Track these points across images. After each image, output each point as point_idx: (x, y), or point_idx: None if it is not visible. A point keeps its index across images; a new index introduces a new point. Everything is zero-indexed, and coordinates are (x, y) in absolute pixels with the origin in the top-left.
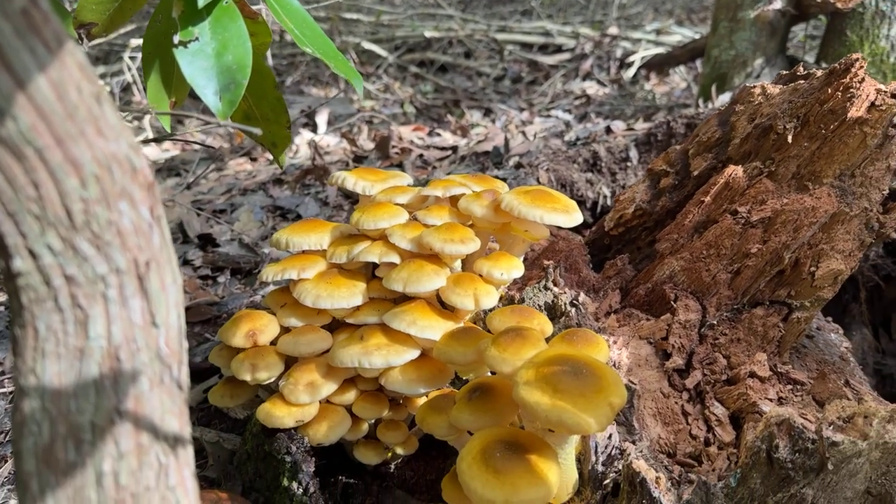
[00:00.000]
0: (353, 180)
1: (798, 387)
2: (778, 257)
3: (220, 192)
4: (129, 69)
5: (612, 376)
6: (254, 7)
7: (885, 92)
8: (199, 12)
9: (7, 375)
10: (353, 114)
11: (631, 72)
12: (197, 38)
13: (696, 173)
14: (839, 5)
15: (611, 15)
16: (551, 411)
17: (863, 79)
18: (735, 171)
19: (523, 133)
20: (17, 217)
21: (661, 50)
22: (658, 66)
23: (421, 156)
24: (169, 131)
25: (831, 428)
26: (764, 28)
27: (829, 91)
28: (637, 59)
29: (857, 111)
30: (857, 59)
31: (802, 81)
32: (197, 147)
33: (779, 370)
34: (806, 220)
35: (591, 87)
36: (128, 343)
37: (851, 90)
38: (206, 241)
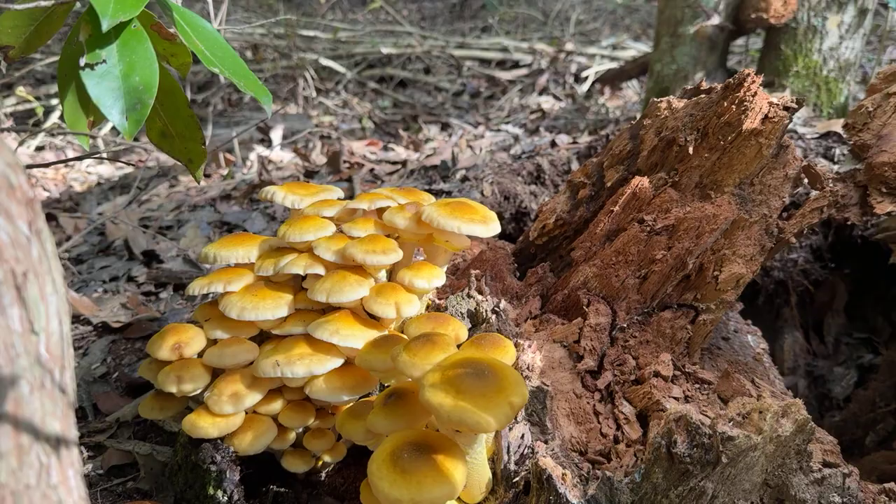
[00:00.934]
0: (283, 194)
1: (704, 386)
2: (682, 263)
3: (170, 208)
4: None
5: (513, 377)
6: (172, 30)
7: (777, 105)
8: (106, 35)
9: None
10: (311, 130)
11: (585, 86)
12: (104, 61)
13: (609, 184)
14: (772, 21)
15: (568, 31)
16: (453, 412)
17: (755, 93)
18: (641, 182)
19: (471, 147)
20: None
21: (615, 65)
22: (611, 80)
23: (372, 170)
24: (88, 150)
25: (730, 424)
26: (703, 43)
27: (726, 104)
28: (591, 73)
29: (751, 123)
30: (748, 75)
31: (704, 96)
32: (151, 164)
33: (686, 370)
34: (707, 226)
35: (547, 102)
36: (6, 349)
37: (745, 103)
38: (151, 258)
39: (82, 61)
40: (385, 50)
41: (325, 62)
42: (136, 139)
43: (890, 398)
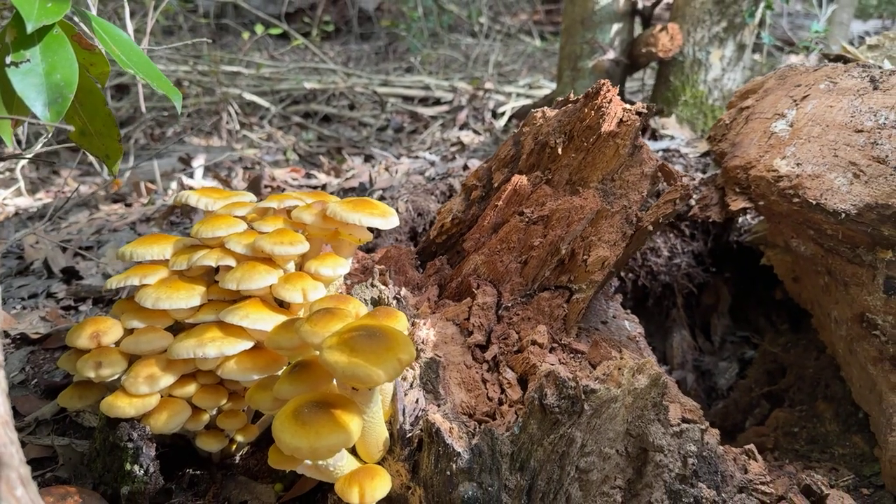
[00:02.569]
0: (196, 197)
1: (578, 354)
2: (556, 248)
3: (90, 232)
4: None
5: (402, 338)
6: (94, 42)
7: (630, 110)
8: (30, 38)
9: None
10: (235, 160)
11: (502, 121)
12: (28, 60)
13: (496, 185)
14: (661, 55)
15: (488, 71)
16: (347, 367)
17: (611, 100)
18: (521, 180)
19: (388, 171)
20: None
21: (529, 101)
22: (524, 115)
23: None
24: (9, 146)
25: (595, 381)
26: (601, 75)
27: (587, 111)
28: (508, 109)
29: (608, 126)
30: (604, 84)
31: (570, 105)
32: (69, 195)
33: (562, 342)
34: (576, 216)
35: (467, 136)
36: None
37: (603, 109)
38: (71, 276)
39: (8, 59)
40: (309, 86)
41: (248, 97)
42: (55, 172)
43: (763, 384)
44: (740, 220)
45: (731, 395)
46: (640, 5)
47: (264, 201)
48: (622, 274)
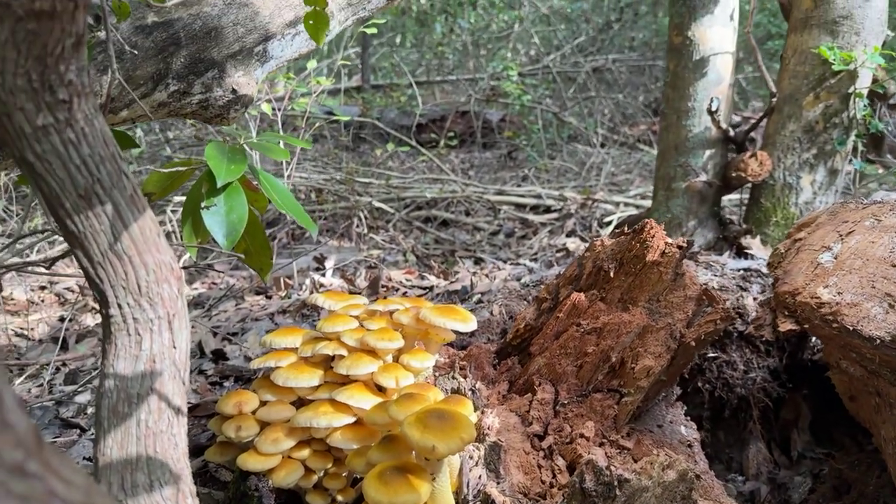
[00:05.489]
0: (323, 299)
1: (624, 450)
2: (607, 356)
3: (236, 320)
4: (171, 220)
5: (465, 421)
6: (255, 184)
7: (672, 244)
8: (218, 189)
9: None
10: (360, 260)
11: (608, 230)
12: (215, 204)
13: (561, 299)
14: (750, 179)
15: (601, 181)
16: (419, 440)
17: (654, 234)
18: (579, 297)
19: (488, 276)
20: (115, 289)
21: (636, 212)
22: (630, 223)
23: (405, 293)
24: (196, 261)
25: (631, 472)
26: (694, 196)
27: (634, 243)
28: (615, 218)
29: (652, 256)
30: (648, 222)
31: (622, 237)
32: (221, 286)
33: (610, 438)
34: (624, 329)
35: (573, 243)
36: (160, 354)
37: (647, 242)
38: (219, 357)
39: (203, 204)
40: (430, 194)
41: (377, 204)
42: (210, 266)
43: (830, 499)
44: (813, 339)
45: None
46: (731, 133)
47: (373, 304)
48: (699, 385)
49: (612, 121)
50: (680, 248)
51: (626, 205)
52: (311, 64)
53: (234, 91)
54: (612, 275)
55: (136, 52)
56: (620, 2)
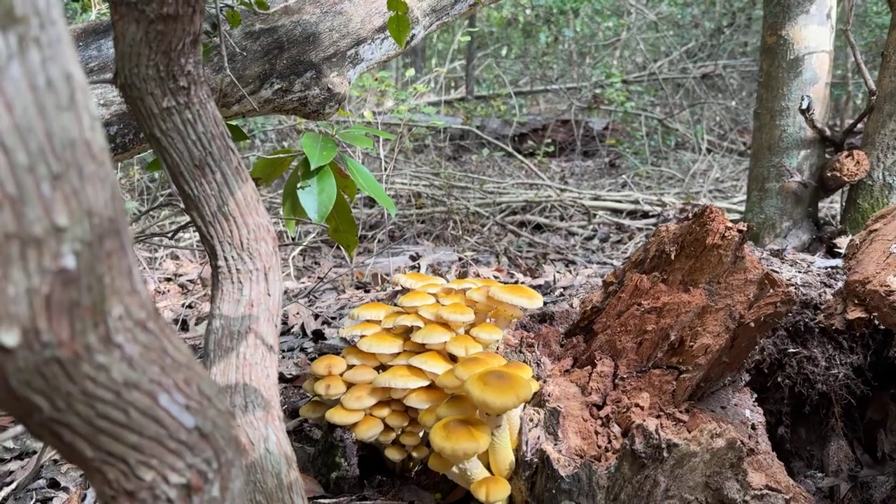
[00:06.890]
0: (405, 279)
1: (679, 423)
2: (666, 334)
3: (336, 308)
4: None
5: (522, 381)
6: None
7: (732, 227)
8: (311, 173)
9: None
10: (453, 260)
11: None
12: (309, 185)
13: (626, 282)
14: (846, 179)
15: (705, 187)
16: (479, 396)
17: (714, 218)
18: (641, 278)
19: (571, 273)
20: (222, 244)
21: (738, 216)
22: None
23: None
24: (293, 237)
25: (681, 438)
26: (789, 197)
27: (695, 227)
28: None
29: (712, 239)
30: (708, 206)
31: (685, 222)
32: (324, 280)
33: (667, 411)
34: (683, 309)
35: None
36: (257, 300)
37: (707, 226)
38: (318, 337)
39: (299, 185)
40: (525, 199)
41: (473, 208)
42: (317, 263)
43: None
44: None
45: None
46: (827, 133)
47: (449, 284)
48: (779, 380)
49: (722, 127)
50: (740, 231)
51: (729, 210)
52: (410, 72)
53: (329, 90)
54: (672, 257)
55: (245, 54)
56: (733, 6)
